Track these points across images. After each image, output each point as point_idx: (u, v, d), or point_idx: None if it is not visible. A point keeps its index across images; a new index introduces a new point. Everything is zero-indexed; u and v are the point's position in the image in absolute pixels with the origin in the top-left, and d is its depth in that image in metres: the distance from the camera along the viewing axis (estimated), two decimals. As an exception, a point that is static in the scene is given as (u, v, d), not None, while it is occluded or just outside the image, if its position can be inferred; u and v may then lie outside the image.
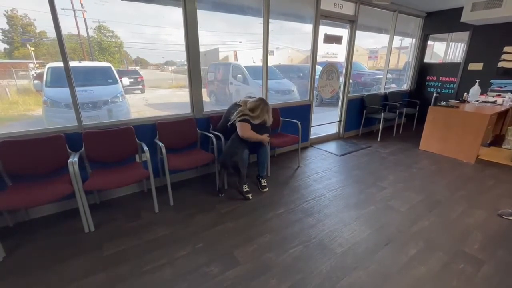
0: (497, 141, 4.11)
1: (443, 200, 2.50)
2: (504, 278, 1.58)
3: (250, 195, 2.49)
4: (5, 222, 2.04)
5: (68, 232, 2.00)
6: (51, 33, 2.00)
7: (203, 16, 2.64)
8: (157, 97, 9.02)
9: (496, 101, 3.93)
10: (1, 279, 1.56)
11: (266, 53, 3.21)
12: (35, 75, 7.99)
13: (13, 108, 6.68)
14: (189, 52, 2.62)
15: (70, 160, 1.87)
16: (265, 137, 2.51)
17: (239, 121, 2.42)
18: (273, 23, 3.21)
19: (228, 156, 2.40)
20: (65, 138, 2.13)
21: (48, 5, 1.93)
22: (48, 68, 4.32)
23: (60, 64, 2.08)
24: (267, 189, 2.67)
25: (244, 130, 2.41)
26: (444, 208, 2.36)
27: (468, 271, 1.63)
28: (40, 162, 2.03)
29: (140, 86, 7.93)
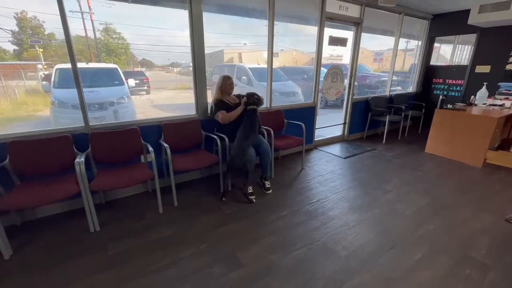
0: (505, 144, 4.05)
1: (449, 203, 2.47)
2: (511, 285, 1.55)
3: (253, 197, 2.49)
4: (13, 221, 2.07)
5: (74, 231, 2.02)
6: (60, 35, 2.05)
7: (208, 18, 2.66)
8: (163, 98, 9.10)
9: (504, 104, 3.88)
10: (7, 277, 1.59)
11: (271, 55, 3.21)
12: (43, 76, 8.13)
13: (22, 108, 6.81)
14: (194, 53, 2.64)
15: (77, 160, 1.90)
16: (240, 108, 2.55)
17: (215, 111, 2.59)
18: (278, 25, 3.22)
19: (237, 159, 2.35)
20: (72, 138, 2.16)
21: (57, 7, 1.97)
22: (56, 69, 4.39)
23: (68, 65, 2.12)
24: (270, 191, 2.67)
25: (222, 118, 2.54)
26: (450, 212, 2.33)
27: (475, 277, 1.60)
28: (48, 162, 2.06)
29: (145, 88, 8.02)
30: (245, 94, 2.64)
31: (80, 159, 1.91)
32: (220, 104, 2.60)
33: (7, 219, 2.04)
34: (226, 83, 2.61)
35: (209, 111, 2.84)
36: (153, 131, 2.59)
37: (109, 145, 2.29)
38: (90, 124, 2.30)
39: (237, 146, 2.39)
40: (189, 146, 2.74)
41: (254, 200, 2.48)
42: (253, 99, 2.54)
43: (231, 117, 2.55)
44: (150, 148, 2.23)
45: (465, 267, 1.68)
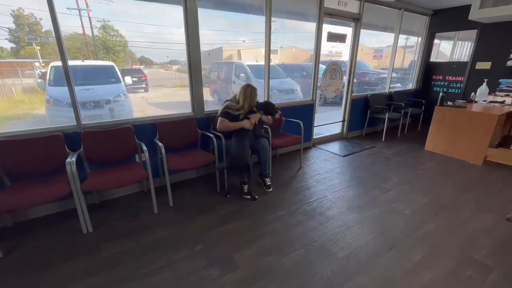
0: (505, 142, 4.00)
1: (449, 203, 2.43)
2: (513, 286, 1.52)
3: (255, 195, 2.47)
4: (4, 222, 2.03)
5: (67, 232, 1.98)
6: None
7: (205, 15, 2.61)
8: (161, 96, 9.02)
9: (504, 101, 3.83)
10: (-3, 280, 1.55)
11: (268, 52, 3.16)
12: (40, 74, 8.04)
13: (19, 106, 6.74)
14: (189, 51, 2.58)
15: (68, 160, 1.85)
16: (245, 122, 2.40)
17: (219, 115, 2.46)
18: (277, 22, 3.17)
19: (238, 158, 2.31)
20: (64, 137, 2.11)
21: (48, 4, 1.91)
22: (51, 67, 4.32)
23: (63, 63, 2.07)
24: (271, 188, 2.63)
25: (218, 124, 2.43)
26: (450, 211, 2.29)
27: (476, 278, 1.57)
28: (39, 162, 2.01)
29: (143, 85, 7.93)
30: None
31: (71, 159, 1.87)
32: (228, 113, 2.46)
33: (-2, 220, 2.01)
34: (255, 98, 2.52)
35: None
36: (147, 130, 2.53)
37: (102, 144, 2.24)
38: (83, 122, 2.25)
39: (238, 150, 2.34)
40: (185, 145, 2.69)
41: (257, 197, 2.46)
42: (264, 109, 2.51)
43: (229, 128, 2.43)
44: (144, 148, 2.18)
45: (466, 268, 1.64)
